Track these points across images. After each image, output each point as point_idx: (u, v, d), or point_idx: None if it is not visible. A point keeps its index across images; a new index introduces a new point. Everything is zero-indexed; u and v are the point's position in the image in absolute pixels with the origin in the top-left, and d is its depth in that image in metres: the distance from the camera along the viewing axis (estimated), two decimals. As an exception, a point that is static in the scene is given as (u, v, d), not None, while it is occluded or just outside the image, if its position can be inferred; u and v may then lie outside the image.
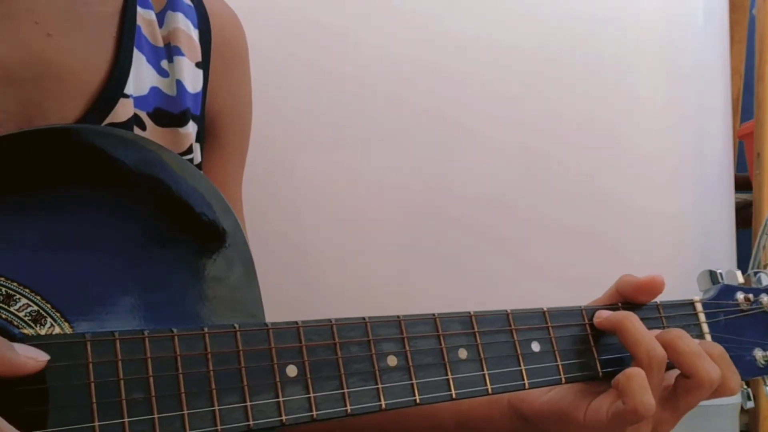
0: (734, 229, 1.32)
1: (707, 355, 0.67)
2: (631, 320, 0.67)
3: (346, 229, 1.12)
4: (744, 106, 1.78)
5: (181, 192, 0.60)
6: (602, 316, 0.69)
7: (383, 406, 0.59)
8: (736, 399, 1.23)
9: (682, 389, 0.68)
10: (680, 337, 0.67)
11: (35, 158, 0.56)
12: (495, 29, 1.17)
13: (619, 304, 0.72)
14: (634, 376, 0.64)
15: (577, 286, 1.14)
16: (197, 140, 0.76)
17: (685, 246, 1.24)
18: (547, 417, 0.71)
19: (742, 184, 1.58)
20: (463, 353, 0.63)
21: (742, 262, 1.32)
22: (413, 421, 0.77)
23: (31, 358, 0.48)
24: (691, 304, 0.75)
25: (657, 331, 0.68)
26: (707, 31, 1.30)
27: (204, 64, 0.77)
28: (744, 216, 1.47)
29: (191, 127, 0.74)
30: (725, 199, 1.32)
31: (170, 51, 0.74)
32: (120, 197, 0.58)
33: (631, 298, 0.72)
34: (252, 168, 0.85)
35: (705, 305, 0.75)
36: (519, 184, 1.16)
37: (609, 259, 1.19)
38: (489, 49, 1.16)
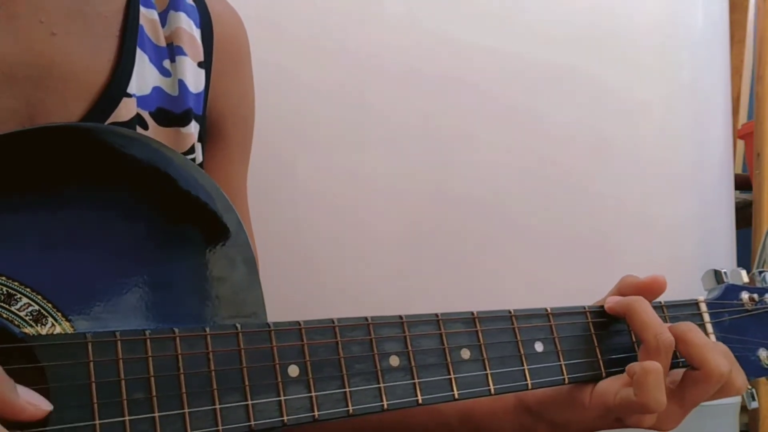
0: (734, 229, 1.32)
1: (718, 349, 0.68)
2: (641, 304, 0.68)
3: (346, 230, 1.11)
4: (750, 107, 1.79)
5: (184, 191, 0.59)
6: (612, 300, 0.70)
7: (385, 406, 0.58)
8: (736, 399, 1.23)
9: (689, 381, 0.67)
10: (691, 329, 0.67)
11: (38, 156, 0.56)
12: (496, 34, 1.16)
13: None
14: (652, 370, 0.63)
15: (576, 285, 1.15)
16: (199, 140, 0.76)
17: (685, 246, 1.24)
18: (550, 403, 0.71)
19: (742, 184, 1.58)
20: (465, 353, 0.62)
21: (742, 262, 1.32)
22: (416, 419, 0.77)
23: (32, 404, 0.47)
24: (695, 303, 0.75)
25: (668, 325, 0.68)
26: (707, 31, 1.30)
27: (206, 64, 0.76)
28: (744, 216, 1.47)
29: (193, 127, 0.74)
30: (725, 200, 1.32)
31: (173, 51, 0.74)
32: (122, 196, 0.57)
33: None
34: (252, 169, 0.85)
35: (709, 305, 0.75)
36: (519, 187, 1.16)
37: (609, 262, 1.18)
38: (490, 54, 1.16)
